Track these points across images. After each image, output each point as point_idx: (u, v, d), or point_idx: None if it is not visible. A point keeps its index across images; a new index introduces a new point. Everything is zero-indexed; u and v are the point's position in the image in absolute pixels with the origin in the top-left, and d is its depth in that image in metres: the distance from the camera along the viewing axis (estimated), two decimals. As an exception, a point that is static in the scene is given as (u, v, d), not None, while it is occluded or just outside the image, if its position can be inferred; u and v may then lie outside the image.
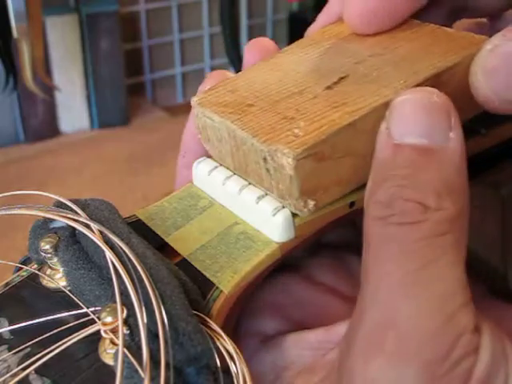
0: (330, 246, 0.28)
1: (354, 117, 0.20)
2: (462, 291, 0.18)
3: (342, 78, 0.22)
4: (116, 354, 0.17)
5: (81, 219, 0.20)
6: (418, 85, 0.21)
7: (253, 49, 0.26)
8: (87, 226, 0.20)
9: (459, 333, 0.17)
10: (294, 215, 0.21)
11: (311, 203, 0.20)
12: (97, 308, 0.19)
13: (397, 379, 0.17)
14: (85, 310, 0.19)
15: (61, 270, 0.20)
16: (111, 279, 0.18)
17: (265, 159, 0.20)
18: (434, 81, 0.21)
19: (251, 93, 0.23)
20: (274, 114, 0.21)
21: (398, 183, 0.18)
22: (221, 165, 0.23)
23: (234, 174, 0.23)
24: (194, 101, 0.23)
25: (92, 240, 0.19)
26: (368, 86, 0.21)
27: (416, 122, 0.19)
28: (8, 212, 0.20)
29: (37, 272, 0.20)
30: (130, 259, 0.18)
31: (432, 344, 0.17)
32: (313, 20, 0.27)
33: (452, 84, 0.22)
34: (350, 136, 0.20)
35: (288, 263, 0.26)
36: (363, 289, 0.18)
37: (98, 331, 0.18)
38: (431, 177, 0.18)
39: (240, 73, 0.24)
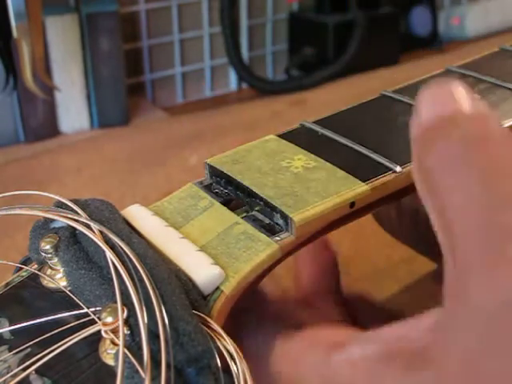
0: None
1: None
2: None
3: None
4: (116, 355, 0.17)
5: (81, 219, 0.20)
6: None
7: None
8: (87, 226, 0.20)
9: None
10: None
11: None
12: (97, 308, 0.19)
13: None
14: (85, 310, 0.19)
15: (61, 270, 0.20)
16: (112, 279, 0.18)
17: None
18: None
19: None
20: None
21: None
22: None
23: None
24: None
25: (92, 240, 0.19)
26: None
27: None
28: (8, 212, 0.20)
29: (37, 272, 0.20)
30: (130, 259, 0.18)
31: None
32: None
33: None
34: None
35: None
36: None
37: (99, 331, 0.18)
38: None
39: None
